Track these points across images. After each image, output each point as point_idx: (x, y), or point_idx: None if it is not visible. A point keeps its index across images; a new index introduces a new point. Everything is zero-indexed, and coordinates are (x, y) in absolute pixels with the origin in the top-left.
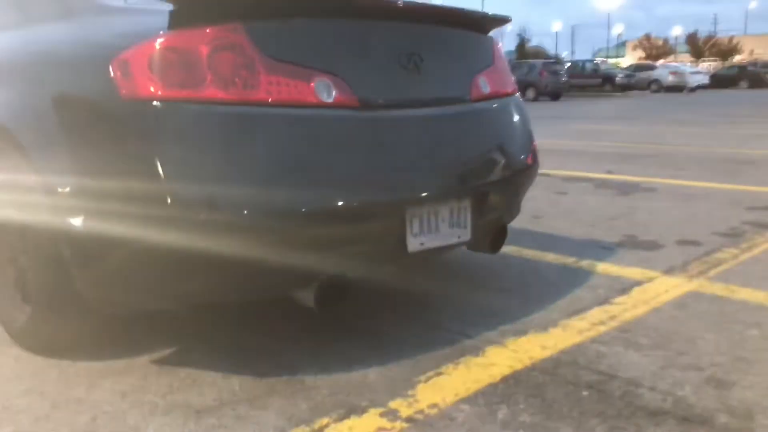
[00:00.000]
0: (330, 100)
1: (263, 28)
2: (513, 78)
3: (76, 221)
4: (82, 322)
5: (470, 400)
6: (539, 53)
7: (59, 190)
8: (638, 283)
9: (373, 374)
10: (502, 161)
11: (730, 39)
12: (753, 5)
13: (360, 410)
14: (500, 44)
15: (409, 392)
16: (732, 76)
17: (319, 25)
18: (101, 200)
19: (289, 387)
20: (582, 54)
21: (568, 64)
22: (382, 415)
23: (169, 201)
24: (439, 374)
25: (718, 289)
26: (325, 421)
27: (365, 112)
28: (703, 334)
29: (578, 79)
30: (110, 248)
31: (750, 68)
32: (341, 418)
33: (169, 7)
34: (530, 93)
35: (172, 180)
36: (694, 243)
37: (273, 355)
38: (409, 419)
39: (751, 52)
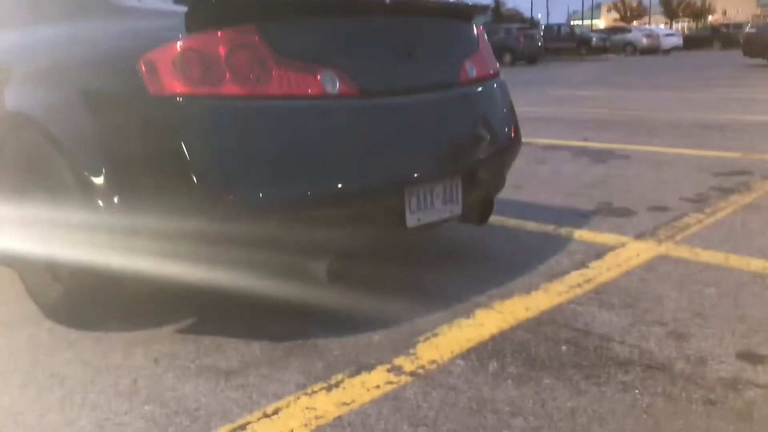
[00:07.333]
0: (335, 91)
1: (273, 28)
2: (495, 60)
3: (106, 204)
4: (111, 297)
5: (464, 356)
6: (515, 16)
7: (92, 178)
8: (612, 248)
9: (377, 336)
10: (489, 140)
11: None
12: None
13: (369, 367)
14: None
15: (411, 351)
16: (705, 38)
17: (323, 22)
18: (132, 186)
19: (305, 349)
20: (557, 16)
21: (543, 27)
22: (388, 370)
23: (193, 186)
24: (435, 335)
25: (683, 252)
26: (339, 377)
27: (366, 100)
28: (668, 294)
29: (554, 42)
30: (141, 229)
31: (723, 29)
32: (353, 374)
33: (184, 9)
34: (507, 57)
35: (195, 167)
36: (663, 209)
37: (287, 322)
38: (412, 373)
39: (724, 13)
